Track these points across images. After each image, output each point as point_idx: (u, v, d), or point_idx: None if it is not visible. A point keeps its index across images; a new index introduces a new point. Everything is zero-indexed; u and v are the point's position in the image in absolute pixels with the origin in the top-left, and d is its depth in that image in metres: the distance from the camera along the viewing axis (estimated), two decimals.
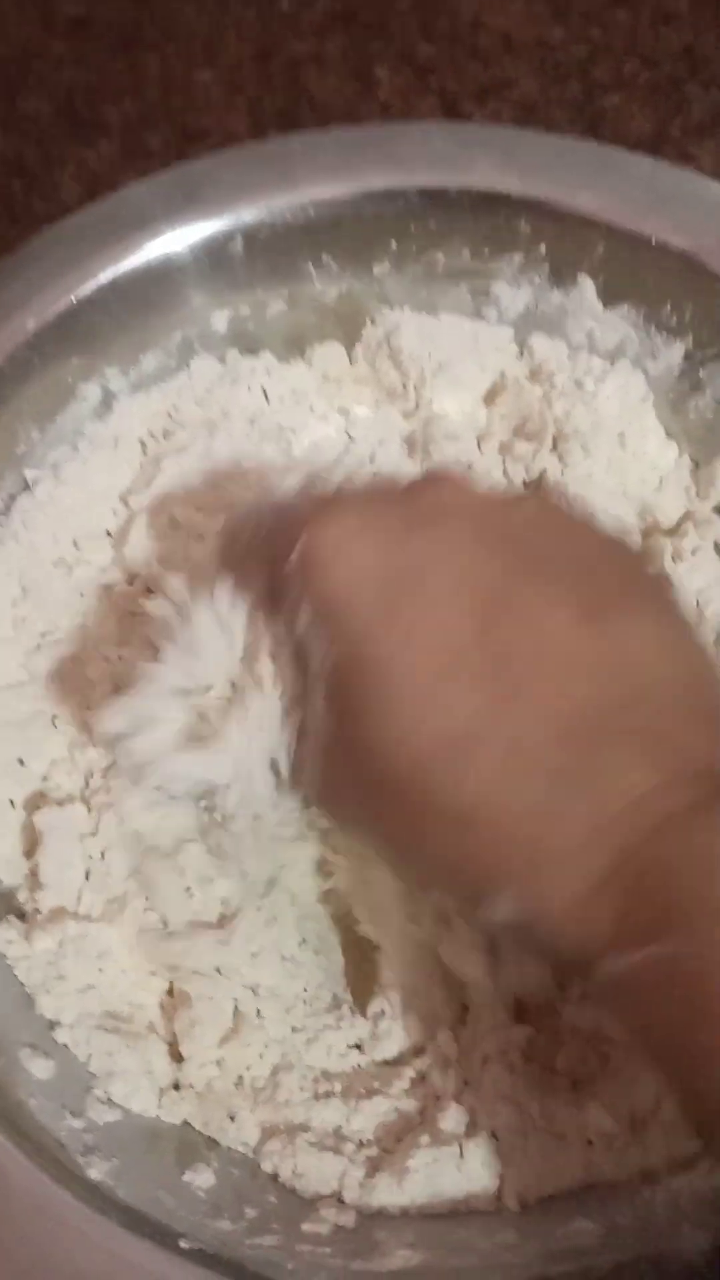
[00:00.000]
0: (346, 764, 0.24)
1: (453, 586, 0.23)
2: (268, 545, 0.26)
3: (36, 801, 0.33)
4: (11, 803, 0.33)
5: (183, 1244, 0.25)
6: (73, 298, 0.35)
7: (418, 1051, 0.30)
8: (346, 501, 0.26)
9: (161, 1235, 0.25)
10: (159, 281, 0.36)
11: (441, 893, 0.28)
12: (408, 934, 0.30)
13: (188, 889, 0.31)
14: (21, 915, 0.32)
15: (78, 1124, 0.28)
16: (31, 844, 0.32)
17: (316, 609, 0.24)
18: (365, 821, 0.26)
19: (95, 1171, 0.26)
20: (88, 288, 0.35)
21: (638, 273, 0.36)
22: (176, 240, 0.36)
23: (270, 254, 0.37)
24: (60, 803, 0.32)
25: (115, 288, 0.35)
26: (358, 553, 0.24)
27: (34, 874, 0.32)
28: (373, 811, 0.25)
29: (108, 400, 0.36)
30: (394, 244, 0.37)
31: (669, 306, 0.36)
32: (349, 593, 0.24)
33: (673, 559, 0.35)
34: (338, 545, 0.24)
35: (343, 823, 0.28)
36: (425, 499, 0.25)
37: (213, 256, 0.36)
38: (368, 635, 0.23)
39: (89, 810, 0.32)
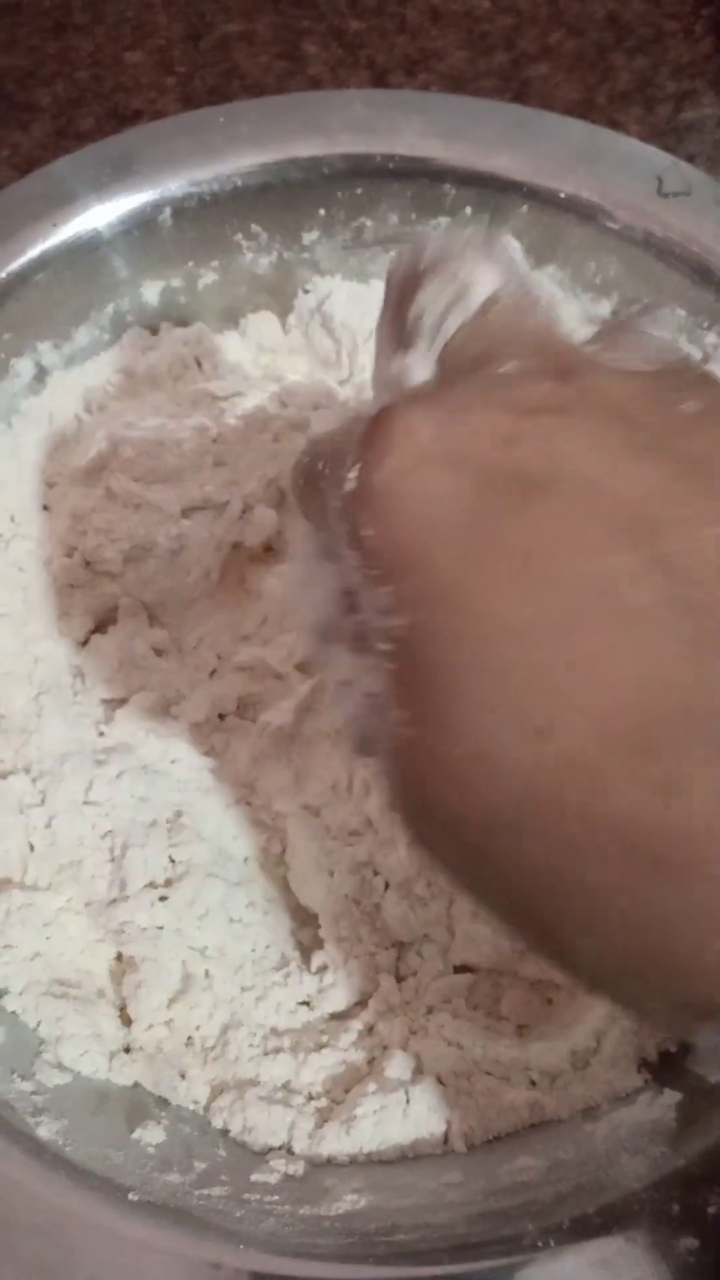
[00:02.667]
0: (434, 784, 0.16)
1: (586, 508, 0.15)
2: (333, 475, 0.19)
3: None
4: None
5: (131, 1197, 0.25)
6: (1, 273, 0.35)
7: (364, 1002, 0.31)
8: (425, 392, 0.18)
9: (110, 1189, 0.26)
10: (88, 256, 0.36)
11: (606, 989, 0.17)
12: (333, 889, 0.31)
13: (146, 860, 0.32)
14: None
15: (27, 1086, 0.28)
16: None
17: (376, 561, 0.17)
18: (469, 871, 0.17)
19: (45, 1131, 0.27)
20: (16, 263, 0.35)
21: (561, 232, 0.37)
22: (104, 214, 0.36)
23: (199, 225, 0.37)
24: (2, 776, 0.32)
25: (44, 263, 0.35)
26: (437, 469, 0.16)
27: None
28: (481, 856, 0.16)
29: (41, 375, 0.36)
30: (322, 211, 0.38)
31: (594, 265, 0.37)
32: (425, 530, 0.16)
33: None
34: (404, 463, 0.17)
35: (444, 867, 0.18)
36: (544, 380, 0.17)
37: (142, 229, 0.37)
38: (457, 586, 0.16)
39: (34, 782, 0.32)
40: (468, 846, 0.17)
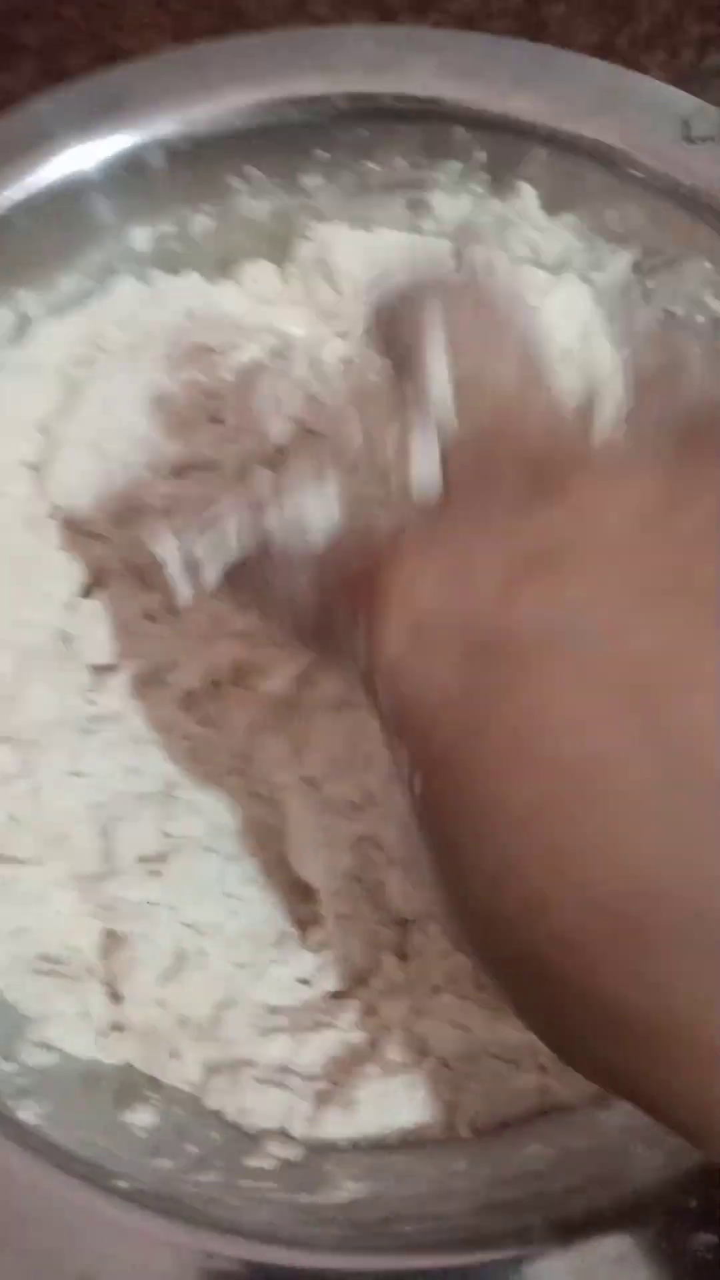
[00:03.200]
0: (455, 925, 0.18)
1: (583, 677, 0.15)
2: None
3: None
4: None
5: (120, 1184, 0.24)
6: None
7: (365, 981, 0.30)
8: (424, 528, 0.18)
9: (97, 1175, 0.25)
10: (73, 199, 0.34)
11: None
12: (333, 864, 0.29)
13: (137, 833, 0.30)
14: None
15: (10, 1068, 0.27)
16: None
17: (389, 724, 0.18)
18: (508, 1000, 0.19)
19: (28, 1114, 0.26)
20: None
21: (581, 179, 0.35)
22: (90, 154, 0.34)
23: (192, 167, 0.35)
24: None
25: (26, 207, 0.33)
26: (435, 640, 0.17)
27: None
28: (510, 996, 0.18)
29: (23, 325, 0.35)
30: (323, 154, 0.36)
31: (615, 214, 0.35)
32: (426, 704, 0.17)
33: None
34: (403, 634, 0.17)
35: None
36: (545, 503, 0.17)
37: (130, 171, 0.35)
38: (458, 763, 0.16)
39: (17, 751, 0.31)
40: (487, 972, 0.18)
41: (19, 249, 0.33)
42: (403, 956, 0.30)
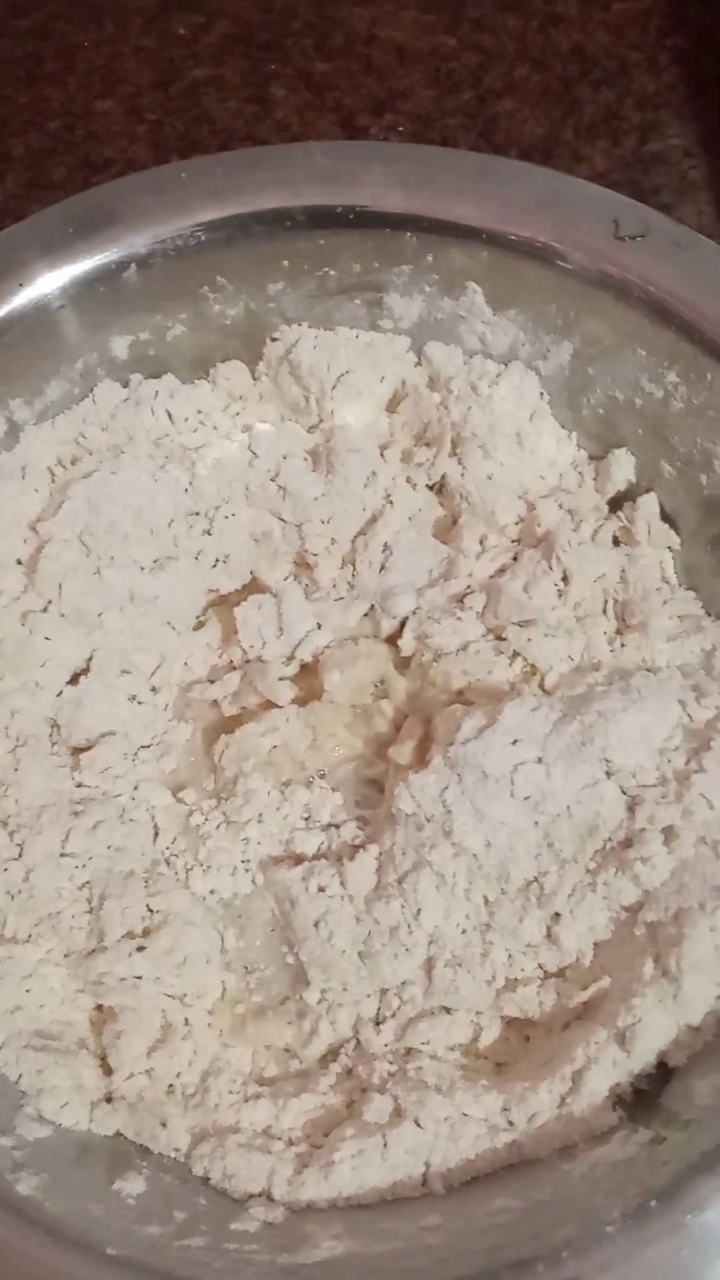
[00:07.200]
0: None
1: None
2: None
3: None
4: None
5: (109, 1251, 0.26)
6: None
7: (344, 1046, 0.31)
8: None
9: (88, 1243, 0.26)
10: (56, 313, 0.37)
11: None
12: (317, 937, 0.31)
13: (123, 910, 0.32)
14: None
15: (7, 1141, 0.28)
16: None
17: None
18: None
19: (24, 1187, 0.27)
20: None
21: (522, 276, 0.37)
22: (70, 272, 0.37)
23: (165, 279, 0.38)
24: None
25: (11, 322, 0.36)
26: None
27: None
28: None
29: (14, 431, 0.37)
30: (286, 263, 0.38)
31: (554, 307, 0.37)
32: None
33: (567, 548, 0.36)
34: None
35: None
36: None
37: (108, 285, 0.37)
38: None
39: (11, 835, 0.33)
40: None
41: (9, 362, 0.36)
42: (378, 1021, 0.31)
